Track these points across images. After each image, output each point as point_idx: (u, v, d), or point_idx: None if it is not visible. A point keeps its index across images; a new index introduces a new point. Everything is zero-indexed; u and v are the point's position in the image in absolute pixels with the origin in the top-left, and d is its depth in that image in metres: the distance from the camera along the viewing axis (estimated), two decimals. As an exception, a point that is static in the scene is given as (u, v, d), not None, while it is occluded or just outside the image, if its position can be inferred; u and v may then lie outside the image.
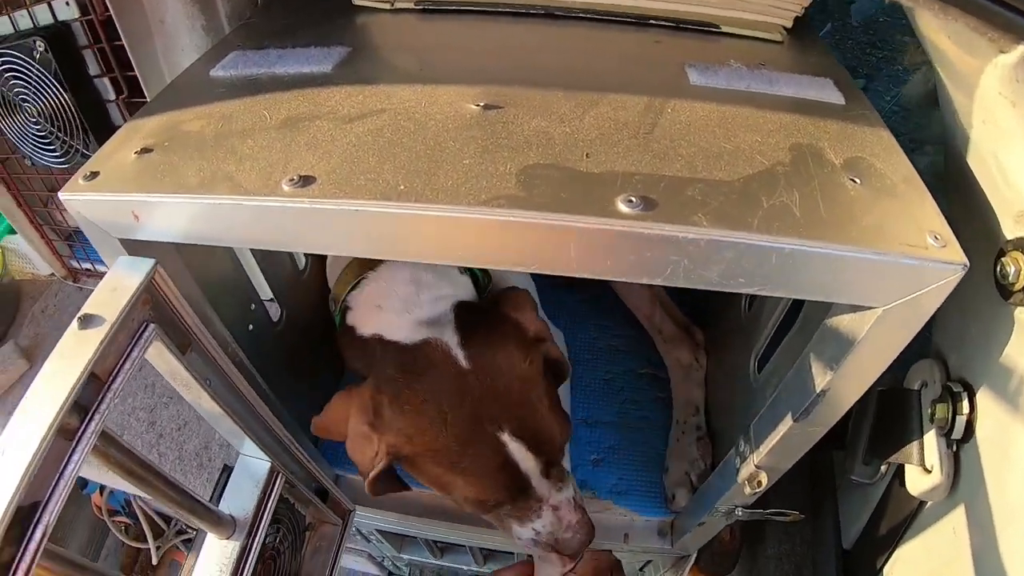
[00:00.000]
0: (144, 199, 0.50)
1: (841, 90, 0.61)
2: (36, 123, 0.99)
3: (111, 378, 0.50)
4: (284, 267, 0.90)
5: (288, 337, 0.90)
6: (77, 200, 0.52)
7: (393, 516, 1.02)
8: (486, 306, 0.81)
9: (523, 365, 0.72)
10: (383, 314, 0.78)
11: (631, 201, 0.43)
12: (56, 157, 1.03)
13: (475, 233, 0.46)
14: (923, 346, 0.76)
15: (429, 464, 0.72)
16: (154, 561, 1.42)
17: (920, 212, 0.45)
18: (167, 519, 1.72)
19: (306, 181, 0.47)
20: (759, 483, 0.69)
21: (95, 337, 0.48)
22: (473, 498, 0.74)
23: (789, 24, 0.73)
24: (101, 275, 0.93)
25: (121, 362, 0.51)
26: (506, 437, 0.70)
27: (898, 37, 0.92)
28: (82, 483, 1.65)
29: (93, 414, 0.49)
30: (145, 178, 0.51)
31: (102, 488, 1.64)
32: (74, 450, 0.47)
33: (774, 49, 0.70)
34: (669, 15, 0.73)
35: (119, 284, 0.52)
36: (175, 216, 0.51)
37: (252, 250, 0.80)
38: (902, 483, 0.77)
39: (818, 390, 0.55)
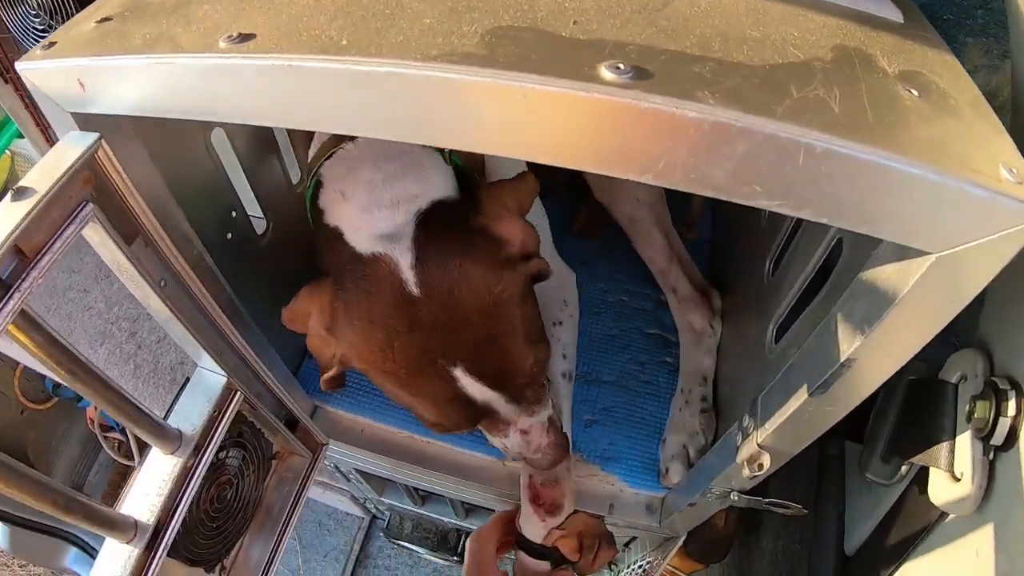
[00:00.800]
0: (87, 63, 0.45)
1: (900, 7, 0.51)
2: (36, 15, 0.94)
3: (38, 255, 0.45)
4: (275, 178, 0.84)
5: (272, 254, 0.84)
6: (30, 69, 0.48)
7: (369, 455, 0.97)
8: (467, 209, 0.69)
9: (489, 293, 0.63)
10: (346, 205, 0.69)
11: (618, 68, 0.34)
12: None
13: (417, 97, 0.38)
14: (967, 333, 0.67)
15: (382, 381, 0.67)
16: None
17: (991, 139, 0.36)
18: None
19: (245, 38, 0.41)
20: (760, 466, 0.61)
21: (22, 209, 0.43)
22: (430, 420, 0.69)
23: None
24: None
25: (52, 240, 0.46)
26: (459, 372, 0.64)
27: (961, 37, 0.83)
28: (77, 396, 1.65)
29: (13, 292, 0.44)
30: (94, 45, 0.46)
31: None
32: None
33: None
34: None
35: (60, 158, 0.47)
36: (117, 81, 0.45)
37: (239, 157, 0.75)
38: (922, 490, 0.68)
39: (842, 358, 0.46)
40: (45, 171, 0.46)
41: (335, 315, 0.66)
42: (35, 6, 0.93)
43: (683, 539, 0.96)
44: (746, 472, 0.63)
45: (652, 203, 1.02)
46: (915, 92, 0.38)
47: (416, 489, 1.28)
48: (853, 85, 0.37)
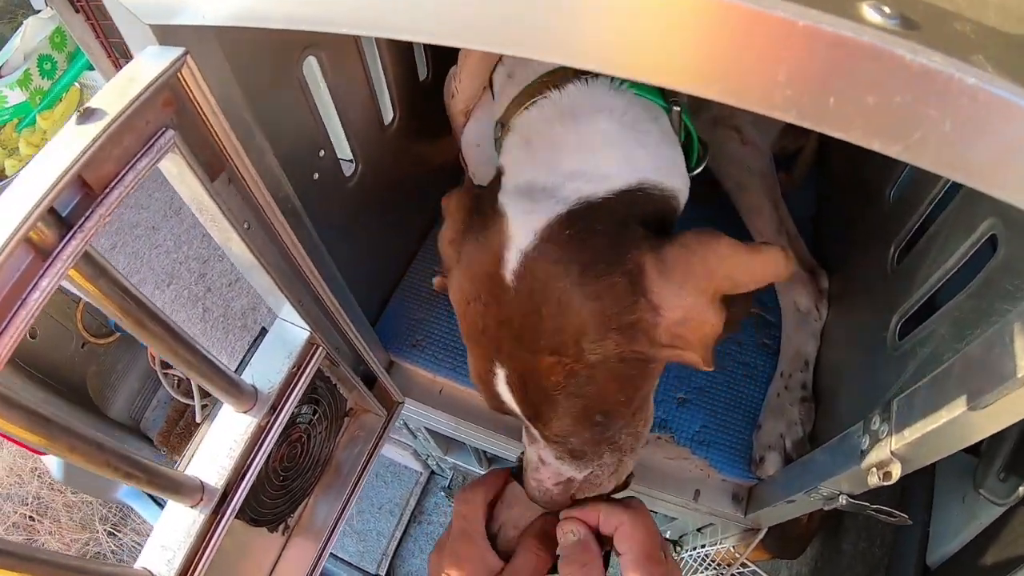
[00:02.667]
0: None
1: None
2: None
3: (108, 189, 0.39)
4: (367, 116, 0.78)
5: (360, 199, 0.78)
6: None
7: (445, 416, 0.92)
8: (655, 220, 0.54)
9: (576, 344, 0.49)
10: (523, 151, 0.57)
11: (883, 11, 0.27)
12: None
13: (629, 16, 0.29)
14: None
15: (459, 320, 0.58)
16: (198, 419, 1.39)
17: None
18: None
19: None
20: (888, 474, 0.54)
21: (89, 133, 0.37)
22: (472, 378, 0.60)
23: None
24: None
25: (124, 171, 0.40)
26: (499, 371, 0.54)
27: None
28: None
29: (76, 231, 0.38)
30: None
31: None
32: (46, 271, 0.36)
33: None
34: None
35: (135, 75, 0.40)
36: None
37: (331, 90, 0.68)
38: None
39: (1020, 374, 0.39)
40: (118, 90, 0.39)
41: (457, 236, 0.58)
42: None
43: (763, 533, 0.90)
44: (873, 480, 0.55)
45: (763, 172, 0.92)
46: None
47: (484, 451, 1.24)
48: None
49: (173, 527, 0.58)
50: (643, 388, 0.56)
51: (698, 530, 1.08)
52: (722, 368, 0.89)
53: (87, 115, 0.38)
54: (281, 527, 0.79)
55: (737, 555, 1.06)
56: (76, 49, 1.36)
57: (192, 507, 0.59)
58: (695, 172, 0.63)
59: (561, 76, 0.59)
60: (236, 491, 0.61)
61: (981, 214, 0.52)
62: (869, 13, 0.27)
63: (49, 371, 1.41)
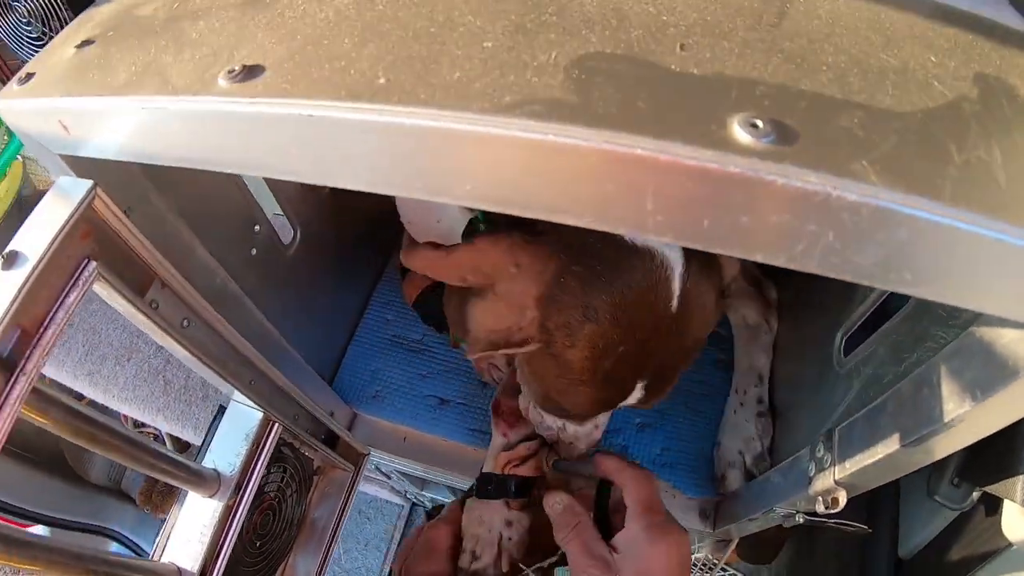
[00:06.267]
0: (67, 104, 0.39)
1: (1020, 12, 0.42)
2: (28, 23, 0.88)
3: (42, 328, 0.41)
4: (296, 183, 0.78)
5: (304, 263, 0.79)
6: (8, 108, 0.42)
7: (412, 463, 0.94)
8: None
9: (708, 325, 0.60)
10: None
11: (755, 126, 0.27)
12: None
13: (493, 159, 0.30)
14: None
15: (554, 364, 0.58)
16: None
17: None
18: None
19: (251, 73, 0.34)
20: (835, 501, 0.56)
21: (16, 279, 0.38)
22: (571, 412, 0.66)
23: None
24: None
25: (54, 309, 0.41)
26: (639, 386, 0.59)
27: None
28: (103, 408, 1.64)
29: (18, 375, 0.39)
30: (74, 79, 0.40)
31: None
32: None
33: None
34: None
35: (52, 214, 0.41)
36: (102, 125, 0.39)
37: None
38: (990, 511, 0.66)
39: (946, 419, 0.41)
40: (36, 231, 0.41)
41: (556, 288, 0.54)
42: (26, 14, 0.86)
43: (735, 543, 0.92)
44: (819, 507, 0.57)
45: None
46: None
47: (459, 488, 1.25)
48: (1008, 137, 0.30)
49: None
50: None
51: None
52: (678, 388, 0.90)
53: (10, 260, 0.39)
54: (262, 591, 0.80)
55: (716, 561, 1.09)
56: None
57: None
58: None
59: None
60: (212, 572, 0.62)
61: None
62: (739, 133, 0.27)
63: (23, 444, 1.39)
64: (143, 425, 1.46)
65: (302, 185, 0.79)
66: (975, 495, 0.65)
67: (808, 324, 0.81)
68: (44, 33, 0.87)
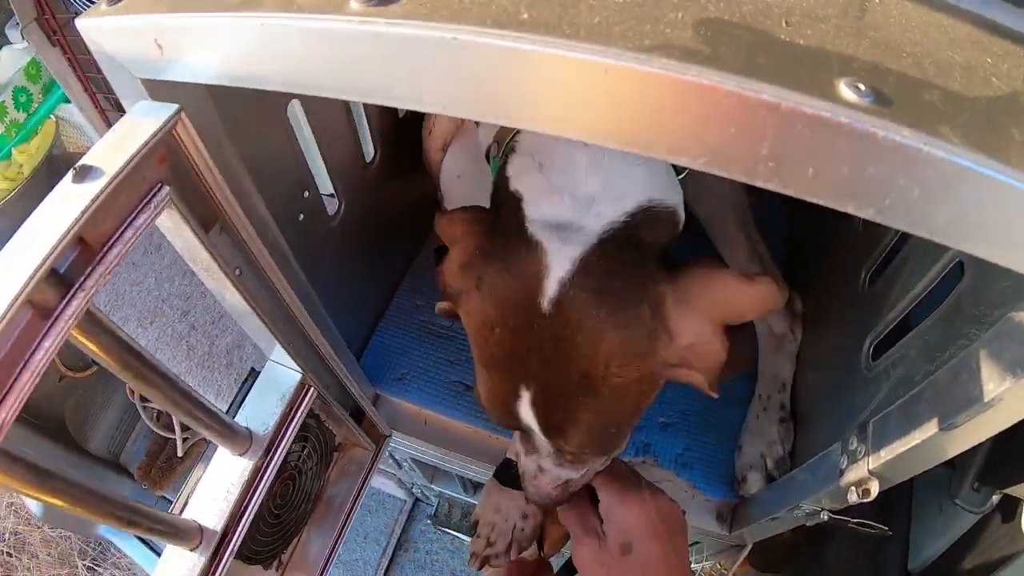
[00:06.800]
0: (170, 21, 0.39)
1: None
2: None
3: (106, 247, 0.40)
4: (348, 155, 0.80)
5: (343, 236, 0.80)
6: (94, 27, 0.42)
7: (431, 447, 0.94)
8: (667, 246, 0.58)
9: (605, 367, 0.53)
10: (537, 176, 0.59)
11: (858, 88, 0.30)
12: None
13: (630, 94, 0.31)
14: None
15: (472, 341, 0.60)
16: (179, 452, 1.38)
17: None
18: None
19: (384, 0, 0.34)
20: (867, 491, 0.57)
21: (87, 193, 0.38)
22: (481, 400, 0.63)
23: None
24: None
25: (121, 229, 0.41)
26: (524, 394, 0.57)
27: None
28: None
29: (77, 290, 0.38)
30: None
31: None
32: (48, 331, 0.37)
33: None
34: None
35: (130, 132, 0.41)
36: (207, 44, 0.39)
37: (314, 130, 0.70)
38: (1006, 518, 0.67)
39: (986, 398, 0.42)
40: (113, 147, 0.40)
41: (473, 261, 0.58)
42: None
43: (748, 549, 0.92)
44: (852, 497, 0.58)
45: (736, 203, 0.95)
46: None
47: (470, 479, 1.25)
48: None
49: (172, 572, 0.59)
50: (649, 400, 0.60)
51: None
52: (702, 392, 0.92)
53: (83, 174, 0.39)
54: (275, 563, 0.79)
55: (724, 571, 1.08)
56: (51, 81, 1.35)
57: (191, 550, 0.59)
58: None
59: None
60: (234, 532, 0.62)
61: (945, 241, 0.55)
62: (845, 92, 0.30)
63: (27, 407, 1.38)
64: (149, 400, 1.45)
65: (353, 162, 0.81)
66: (995, 499, 0.67)
67: (833, 334, 0.82)
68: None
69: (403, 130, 0.89)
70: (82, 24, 0.42)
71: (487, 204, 0.66)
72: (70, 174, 0.39)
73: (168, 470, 1.67)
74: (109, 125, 1.27)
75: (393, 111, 0.88)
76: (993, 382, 0.42)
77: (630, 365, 0.53)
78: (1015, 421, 0.43)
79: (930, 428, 0.48)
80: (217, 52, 0.39)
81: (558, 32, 0.31)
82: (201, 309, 1.04)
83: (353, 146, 0.80)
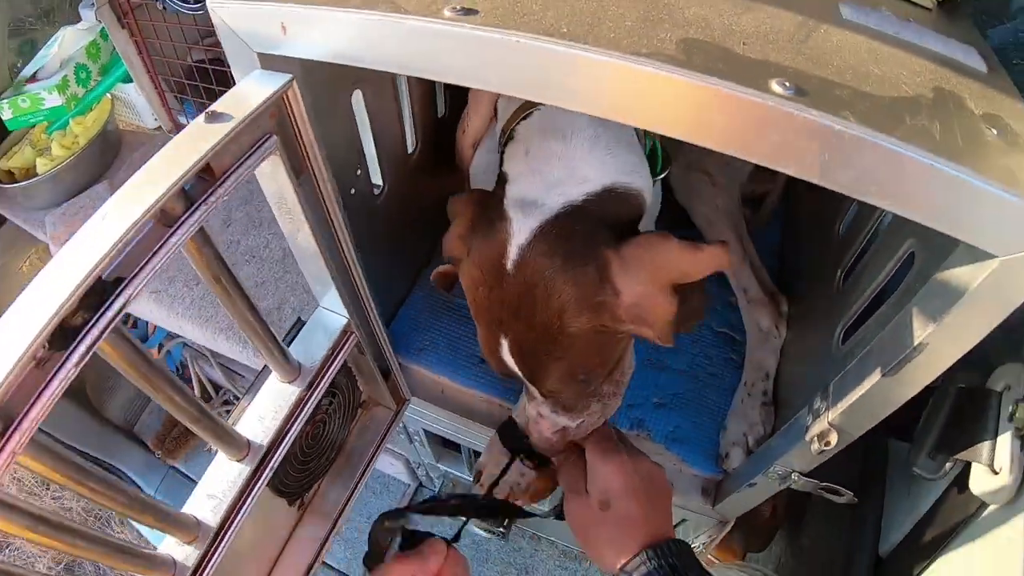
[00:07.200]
0: (298, 11, 0.51)
1: (984, 59, 0.60)
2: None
3: (224, 176, 0.50)
4: (394, 144, 0.91)
5: (383, 215, 0.91)
6: (227, 8, 0.53)
7: (446, 415, 1.03)
8: (620, 216, 0.68)
9: (559, 318, 0.63)
10: (523, 161, 0.70)
11: (785, 85, 0.44)
12: (191, 2, 1.03)
13: (631, 83, 0.45)
14: (1013, 350, 0.74)
15: (469, 302, 0.71)
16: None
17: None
18: (216, 387, 1.77)
19: (468, 12, 0.48)
20: (828, 443, 0.67)
21: (219, 131, 0.48)
22: (483, 353, 0.73)
23: (938, -5, 0.72)
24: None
25: (238, 163, 0.51)
26: (504, 342, 0.68)
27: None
28: (141, 336, 1.71)
29: (199, 205, 0.49)
30: None
31: (160, 346, 1.69)
32: (170, 236, 0.47)
33: (923, 13, 0.69)
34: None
35: (251, 91, 0.51)
36: (323, 30, 0.51)
37: (370, 119, 0.81)
38: (960, 490, 0.75)
39: (915, 343, 0.54)
40: (239, 100, 0.50)
41: (467, 233, 0.70)
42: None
43: (731, 526, 1.00)
44: (815, 447, 0.68)
45: (729, 210, 1.06)
46: (995, 131, 0.48)
47: (477, 454, 1.33)
48: (949, 120, 0.47)
49: (220, 478, 0.67)
50: (615, 353, 0.71)
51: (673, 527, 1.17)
52: (694, 377, 1.02)
53: (214, 117, 0.49)
54: (298, 502, 0.88)
55: (709, 556, 1.16)
56: (108, 61, 1.45)
57: (238, 461, 0.68)
58: (660, 176, 0.79)
59: None
60: (276, 451, 0.70)
61: (903, 235, 0.66)
62: (775, 86, 0.44)
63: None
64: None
65: (397, 151, 0.93)
66: (948, 466, 0.75)
67: (812, 333, 0.91)
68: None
69: (442, 128, 1.01)
70: (213, 3, 0.53)
71: None
72: (202, 116, 0.49)
73: (183, 441, 1.75)
74: (166, 106, 1.38)
75: (435, 110, 0.99)
76: (920, 330, 0.54)
77: (582, 317, 0.62)
78: (944, 367, 0.54)
79: (875, 376, 0.59)
80: (328, 37, 0.52)
81: (585, 41, 0.46)
82: (244, 276, 1.13)
83: (399, 137, 0.91)
